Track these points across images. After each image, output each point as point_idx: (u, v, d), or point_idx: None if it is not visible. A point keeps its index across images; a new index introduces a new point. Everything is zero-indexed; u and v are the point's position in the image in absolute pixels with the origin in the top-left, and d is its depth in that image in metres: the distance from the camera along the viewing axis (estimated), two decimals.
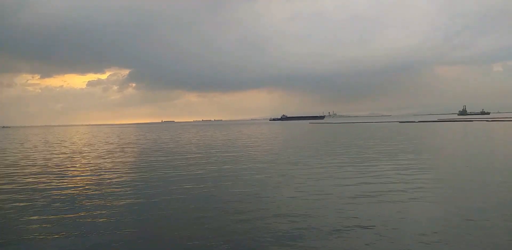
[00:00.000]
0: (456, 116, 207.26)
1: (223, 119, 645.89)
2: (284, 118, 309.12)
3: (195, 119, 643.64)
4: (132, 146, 40.58)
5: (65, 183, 16.57)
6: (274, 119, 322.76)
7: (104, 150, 35.49)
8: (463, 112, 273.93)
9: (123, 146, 40.64)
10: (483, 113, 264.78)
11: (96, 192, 14.16)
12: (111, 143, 47.46)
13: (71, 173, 19.81)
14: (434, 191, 12.99)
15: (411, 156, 23.49)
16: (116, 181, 16.67)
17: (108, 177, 18.07)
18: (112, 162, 24.85)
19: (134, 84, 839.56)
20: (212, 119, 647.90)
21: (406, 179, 15.28)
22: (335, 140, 41.75)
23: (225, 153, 28.94)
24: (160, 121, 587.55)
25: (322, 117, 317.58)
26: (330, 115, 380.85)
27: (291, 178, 16.59)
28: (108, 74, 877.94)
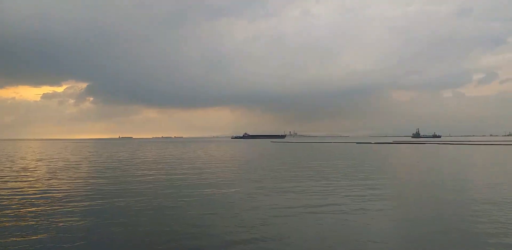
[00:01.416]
0: (410, 139, 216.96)
1: (183, 137, 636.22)
2: (246, 136, 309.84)
3: (154, 136, 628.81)
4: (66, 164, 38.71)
5: None
6: (236, 138, 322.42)
7: (49, 166, 33.56)
8: (417, 135, 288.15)
9: (62, 163, 38.69)
10: (435, 136, 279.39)
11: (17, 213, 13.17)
12: (50, 159, 45.06)
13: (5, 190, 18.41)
14: (384, 207, 13.28)
15: (364, 175, 24.04)
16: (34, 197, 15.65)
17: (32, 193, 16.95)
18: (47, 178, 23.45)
19: (91, 98, 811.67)
20: (173, 136, 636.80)
21: (360, 196, 15.53)
22: (296, 159, 42.10)
23: (173, 171, 28.23)
24: (118, 137, 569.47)
25: (283, 136, 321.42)
26: (291, 135, 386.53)
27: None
28: (64, 87, 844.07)
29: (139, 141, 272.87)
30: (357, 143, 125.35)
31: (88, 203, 15.22)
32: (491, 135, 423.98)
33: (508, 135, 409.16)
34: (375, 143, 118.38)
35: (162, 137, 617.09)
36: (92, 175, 26.19)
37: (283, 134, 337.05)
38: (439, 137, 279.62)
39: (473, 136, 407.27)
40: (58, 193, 17.87)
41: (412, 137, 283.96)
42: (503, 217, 12.42)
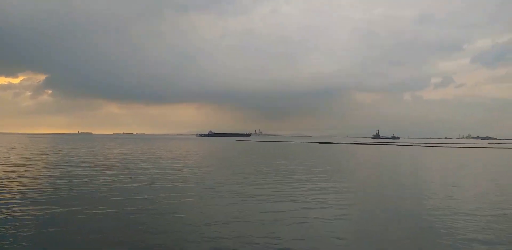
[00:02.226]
0: (370, 140, 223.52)
1: (146, 133, 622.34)
2: (211, 134, 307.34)
3: (115, 132, 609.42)
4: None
5: None
6: (200, 135, 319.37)
7: None
8: (377, 136, 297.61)
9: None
10: (393, 138, 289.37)
11: None
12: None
13: None
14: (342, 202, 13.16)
15: (325, 175, 24.09)
16: None
17: None
18: None
19: (50, 91, 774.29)
20: (135, 132, 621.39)
21: (318, 198, 15.36)
22: (260, 159, 41.84)
23: (134, 171, 27.11)
24: (77, 132, 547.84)
25: (248, 135, 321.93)
26: (256, 133, 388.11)
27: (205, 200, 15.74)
28: (21, 79, 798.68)
29: (98, 137, 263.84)
30: (320, 142, 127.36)
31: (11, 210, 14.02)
32: (446, 137, 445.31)
33: (461, 138, 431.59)
34: (336, 143, 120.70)
35: (123, 133, 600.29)
36: (32, 174, 24.55)
37: (248, 132, 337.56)
38: (398, 138, 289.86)
39: (430, 138, 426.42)
40: None
41: (372, 138, 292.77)
42: (454, 215, 12.62)
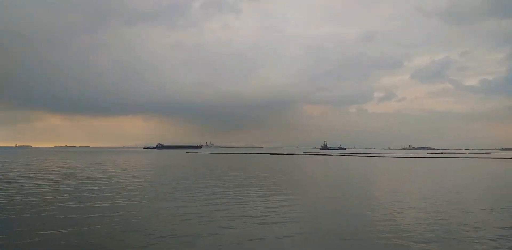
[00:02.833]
0: (318, 151, 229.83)
1: (90, 146, 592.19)
2: (159, 147, 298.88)
3: (57, 145, 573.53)
4: None
5: None
6: (148, 148, 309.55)
7: None
8: (324, 147, 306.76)
9: None
10: (340, 148, 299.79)
11: None
12: None
13: None
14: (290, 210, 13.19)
15: (274, 186, 24.22)
16: None
17: None
18: None
19: None
20: (78, 145, 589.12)
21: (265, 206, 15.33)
22: (208, 171, 41.21)
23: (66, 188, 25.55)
24: (14, 145, 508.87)
25: (199, 147, 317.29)
26: (207, 146, 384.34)
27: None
28: None
29: (37, 150, 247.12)
30: (271, 154, 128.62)
31: None
32: (389, 148, 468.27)
33: (403, 148, 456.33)
34: (287, 154, 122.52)
35: (66, 146, 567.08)
36: None
37: (199, 144, 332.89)
38: (344, 149, 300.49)
39: (374, 148, 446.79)
40: None
41: (320, 149, 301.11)
42: (392, 219, 13.12)
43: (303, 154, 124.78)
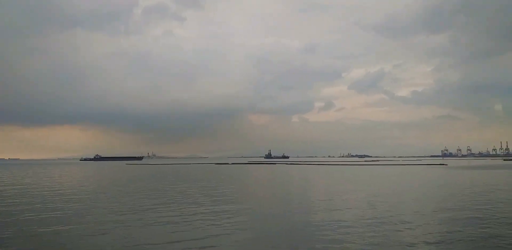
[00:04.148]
0: (263, 159, 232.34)
1: (21, 158, 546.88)
2: (97, 158, 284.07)
3: None
4: None
5: None
6: (85, 160, 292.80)
7: None
8: (269, 155, 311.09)
9: None
10: (284, 157, 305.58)
11: None
12: None
13: None
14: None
15: (219, 196, 24.04)
16: None
17: None
18: None
19: None
20: (7, 157, 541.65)
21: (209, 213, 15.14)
22: (146, 183, 39.87)
23: None
24: None
25: (140, 158, 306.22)
26: (149, 156, 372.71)
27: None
28: None
29: None
30: (216, 163, 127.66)
31: None
32: (329, 156, 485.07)
33: (342, 156, 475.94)
34: (232, 164, 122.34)
35: None
36: None
37: (140, 155, 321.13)
38: (288, 157, 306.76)
39: (315, 156, 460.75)
40: None
41: (265, 158, 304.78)
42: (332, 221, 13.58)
43: (248, 163, 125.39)
